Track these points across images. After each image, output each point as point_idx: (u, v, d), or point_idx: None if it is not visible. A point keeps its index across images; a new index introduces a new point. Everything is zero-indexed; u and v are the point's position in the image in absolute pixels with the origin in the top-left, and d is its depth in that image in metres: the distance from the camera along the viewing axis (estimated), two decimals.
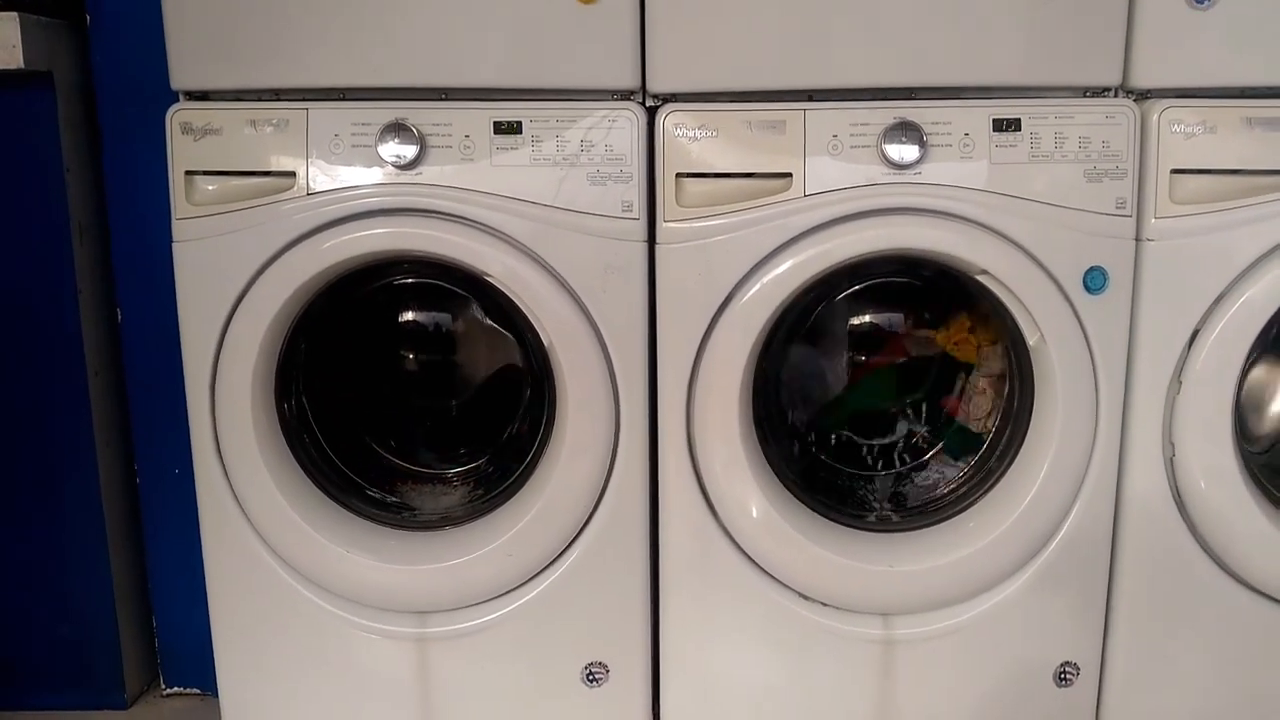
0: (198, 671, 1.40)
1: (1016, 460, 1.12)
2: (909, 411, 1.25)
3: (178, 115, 1.05)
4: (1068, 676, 1.14)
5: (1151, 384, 1.07)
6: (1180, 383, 1.06)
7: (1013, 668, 1.14)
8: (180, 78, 1.06)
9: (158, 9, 1.04)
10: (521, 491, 1.14)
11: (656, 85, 1.05)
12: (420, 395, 1.27)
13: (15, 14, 1.12)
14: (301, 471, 1.14)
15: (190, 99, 1.07)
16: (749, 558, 1.11)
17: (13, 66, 1.13)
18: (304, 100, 1.05)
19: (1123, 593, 1.12)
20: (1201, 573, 1.11)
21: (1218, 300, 1.04)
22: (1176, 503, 1.09)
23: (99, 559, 1.33)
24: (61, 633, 1.35)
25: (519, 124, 1.03)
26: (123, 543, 1.36)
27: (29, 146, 1.22)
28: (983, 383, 1.20)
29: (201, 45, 1.04)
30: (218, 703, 1.20)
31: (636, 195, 1.04)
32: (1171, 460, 1.08)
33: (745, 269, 1.03)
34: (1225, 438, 1.06)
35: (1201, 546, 1.10)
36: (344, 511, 1.15)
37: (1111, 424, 1.08)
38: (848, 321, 1.21)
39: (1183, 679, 1.14)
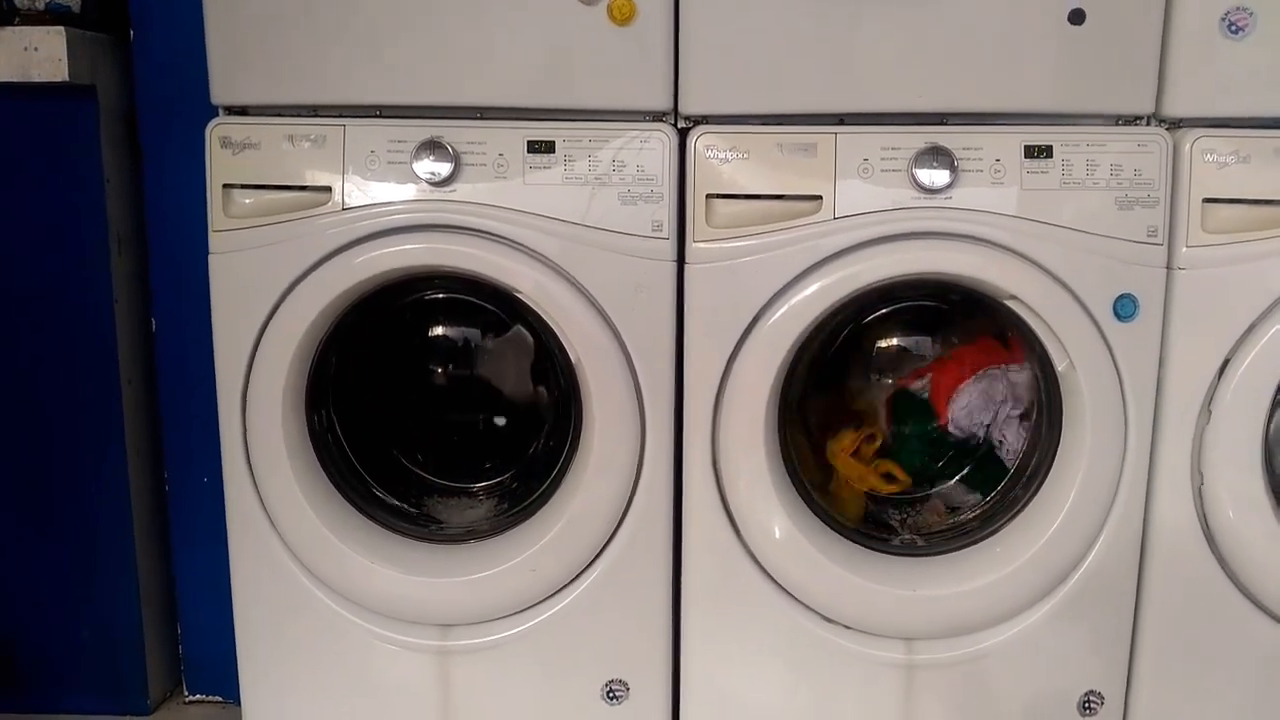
0: (220, 679, 1.41)
1: (1043, 486, 1.11)
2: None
3: (217, 129, 1.07)
4: (1092, 706, 1.13)
5: (1181, 413, 1.06)
6: (1210, 412, 1.05)
7: (1036, 695, 1.13)
8: (220, 93, 1.08)
9: (200, 25, 1.06)
10: (546, 507, 1.14)
11: (689, 107, 1.06)
12: (448, 409, 1.28)
13: (62, 28, 1.14)
14: (329, 483, 1.15)
15: (230, 114, 1.09)
16: (772, 578, 1.11)
17: (58, 79, 1.15)
18: (341, 117, 1.07)
19: (1149, 622, 1.11)
20: (1229, 604, 1.09)
21: (1249, 330, 1.03)
22: (1205, 533, 1.08)
23: (126, 565, 1.35)
24: (87, 638, 1.36)
25: (552, 143, 1.04)
26: (150, 549, 1.38)
27: (71, 158, 1.24)
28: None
29: (242, 61, 1.06)
30: (239, 711, 1.20)
31: (667, 215, 1.05)
32: (1200, 490, 1.07)
33: (773, 290, 1.04)
34: (1255, 468, 1.05)
35: (1229, 577, 1.09)
36: (370, 523, 1.16)
37: (1140, 452, 1.07)
38: (876, 344, 1.21)
39: (1209, 711, 1.13)
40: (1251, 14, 1.00)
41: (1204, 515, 1.08)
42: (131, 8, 1.24)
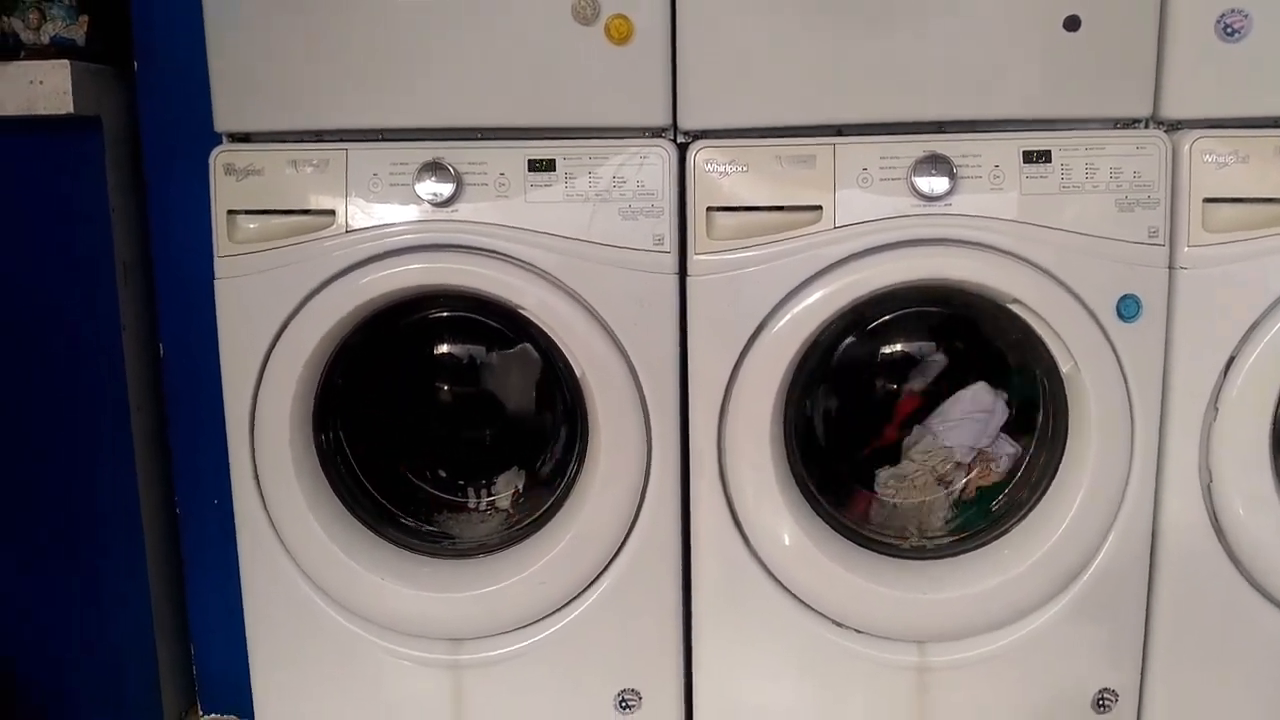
0: (234, 698, 1.42)
1: (1052, 487, 1.11)
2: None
3: (221, 156, 1.08)
4: (1106, 703, 1.13)
5: (1187, 411, 1.06)
6: (1216, 410, 1.05)
7: (1050, 695, 1.13)
8: (223, 120, 1.09)
9: (203, 55, 1.07)
10: (555, 520, 1.15)
11: (688, 122, 1.06)
12: (455, 426, 1.29)
13: (67, 62, 1.15)
14: (338, 501, 1.16)
15: (233, 141, 1.10)
16: (782, 585, 1.11)
17: (64, 112, 1.16)
18: (343, 141, 1.08)
19: (1162, 619, 1.11)
20: (1241, 599, 1.09)
21: (1253, 327, 1.03)
22: (1215, 530, 1.08)
23: (139, 587, 1.36)
24: (101, 657, 1.37)
25: (553, 161, 1.05)
26: (162, 572, 1.39)
27: (77, 188, 1.25)
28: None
29: (244, 89, 1.07)
30: None
31: (668, 229, 1.05)
32: (1209, 487, 1.07)
33: (775, 300, 1.04)
34: (1263, 464, 1.05)
35: (1241, 573, 1.09)
36: (379, 540, 1.17)
37: (1147, 451, 1.07)
38: (879, 352, 1.21)
39: (1224, 706, 1.12)
40: (1247, 16, 1.01)
41: (1213, 512, 1.08)
42: (135, 39, 1.25)
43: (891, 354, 1.21)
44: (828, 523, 1.14)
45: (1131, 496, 1.08)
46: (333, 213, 1.07)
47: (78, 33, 1.21)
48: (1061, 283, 1.03)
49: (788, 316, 1.04)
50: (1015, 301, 1.04)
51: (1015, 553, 1.11)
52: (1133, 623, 1.11)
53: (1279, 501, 1.06)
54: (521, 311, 1.07)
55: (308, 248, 1.07)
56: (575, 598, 1.13)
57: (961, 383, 1.20)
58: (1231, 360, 1.04)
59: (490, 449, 1.29)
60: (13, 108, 1.16)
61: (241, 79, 1.07)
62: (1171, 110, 1.04)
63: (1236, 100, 1.03)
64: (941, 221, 1.03)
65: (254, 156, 1.08)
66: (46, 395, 1.30)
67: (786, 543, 1.09)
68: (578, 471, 1.15)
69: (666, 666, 1.15)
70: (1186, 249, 1.04)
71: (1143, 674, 1.13)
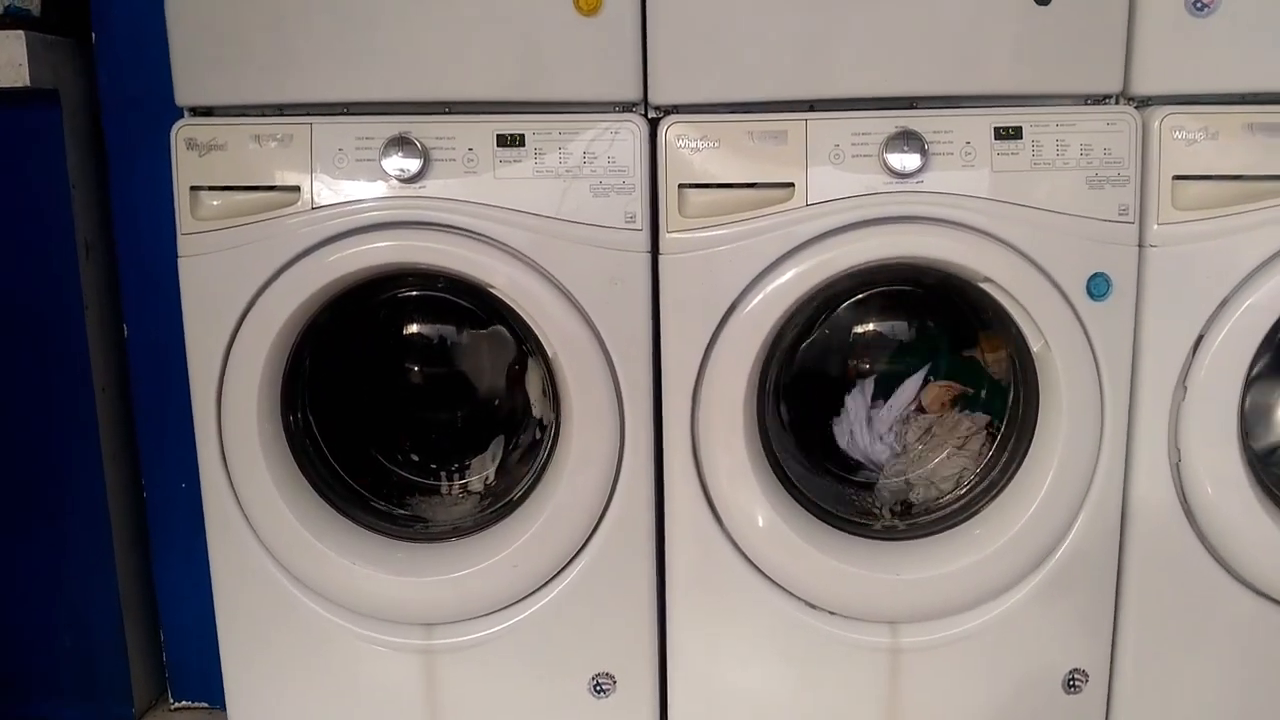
0: (205, 685, 1.40)
1: (1022, 467, 1.11)
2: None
3: (182, 131, 1.06)
4: (1077, 683, 1.14)
5: (1156, 390, 1.06)
6: (1185, 388, 1.06)
7: (1021, 675, 1.14)
8: (185, 94, 1.07)
9: (163, 26, 1.05)
10: (528, 503, 1.14)
11: (658, 97, 1.05)
12: (426, 407, 1.27)
13: (22, 32, 1.13)
14: (307, 484, 1.14)
15: (195, 115, 1.08)
16: (755, 567, 1.11)
17: (19, 84, 1.14)
18: (308, 115, 1.06)
19: (1131, 599, 1.12)
20: (1209, 578, 1.10)
21: (1222, 305, 1.04)
22: (1183, 509, 1.09)
23: (106, 573, 1.34)
24: (69, 646, 1.35)
25: (522, 137, 1.04)
26: (130, 556, 1.37)
27: (35, 163, 1.22)
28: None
29: (206, 62, 1.05)
30: (225, 716, 1.20)
31: (639, 206, 1.04)
32: (1177, 466, 1.08)
33: (748, 279, 1.04)
34: (1231, 443, 1.06)
35: (1209, 552, 1.09)
36: (350, 524, 1.16)
37: (1117, 431, 1.07)
38: (851, 330, 1.21)
39: (1193, 685, 1.14)
40: None
41: (1182, 492, 1.08)
42: (92, 10, 1.23)
43: (864, 333, 1.21)
44: (801, 504, 1.13)
45: (1101, 476, 1.08)
46: (298, 189, 1.05)
47: (32, 2, 1.18)
48: (1032, 261, 1.03)
49: (760, 295, 1.04)
50: (987, 280, 1.04)
51: (986, 533, 1.11)
52: (1103, 603, 1.12)
53: (1247, 481, 1.07)
54: (492, 291, 1.06)
55: (272, 225, 1.05)
56: (548, 581, 1.12)
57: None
58: (1200, 339, 1.05)
59: (462, 431, 1.27)
60: None
61: (202, 51, 1.05)
62: (1142, 86, 1.04)
63: (1206, 75, 1.03)
64: (913, 199, 1.03)
65: (216, 131, 1.05)
66: (8, 378, 1.28)
67: (760, 524, 1.09)
68: (551, 454, 1.14)
69: (641, 650, 1.14)
70: (1156, 227, 1.04)
71: (1112, 654, 1.14)
